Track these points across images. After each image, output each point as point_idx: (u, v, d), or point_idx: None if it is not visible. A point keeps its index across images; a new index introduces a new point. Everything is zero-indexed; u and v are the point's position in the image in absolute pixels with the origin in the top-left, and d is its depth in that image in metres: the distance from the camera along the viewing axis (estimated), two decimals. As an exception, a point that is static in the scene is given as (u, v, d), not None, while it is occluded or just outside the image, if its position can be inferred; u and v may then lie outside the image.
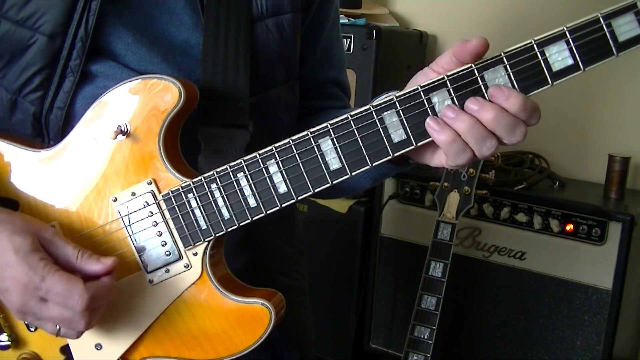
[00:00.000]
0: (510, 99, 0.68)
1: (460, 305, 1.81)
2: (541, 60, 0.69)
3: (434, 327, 1.54)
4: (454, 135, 0.69)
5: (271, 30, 0.88)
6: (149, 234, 0.80)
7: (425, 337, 1.55)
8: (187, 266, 0.80)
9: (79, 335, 0.77)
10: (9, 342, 0.84)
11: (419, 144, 0.73)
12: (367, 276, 1.95)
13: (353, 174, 0.74)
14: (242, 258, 0.93)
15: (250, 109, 0.86)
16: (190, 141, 0.83)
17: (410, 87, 0.74)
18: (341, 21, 1.98)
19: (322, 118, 1.01)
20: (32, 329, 0.84)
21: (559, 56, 0.68)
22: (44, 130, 0.84)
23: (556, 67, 0.68)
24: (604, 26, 0.67)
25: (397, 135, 0.73)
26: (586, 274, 1.63)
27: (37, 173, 0.82)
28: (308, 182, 0.75)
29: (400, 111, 0.72)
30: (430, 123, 0.70)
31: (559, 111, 2.08)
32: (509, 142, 0.70)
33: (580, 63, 0.68)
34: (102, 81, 0.83)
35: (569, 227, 1.64)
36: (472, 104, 0.69)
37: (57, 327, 0.74)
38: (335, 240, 2.03)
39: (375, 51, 1.92)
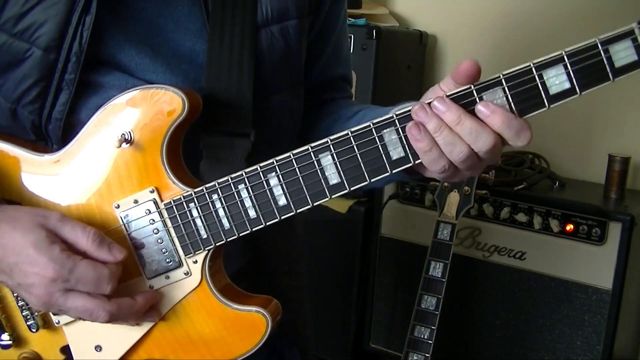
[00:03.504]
0: (494, 115, 0.70)
1: (460, 305, 1.81)
2: (539, 83, 0.70)
3: (434, 327, 1.54)
4: (432, 143, 0.71)
5: (276, 36, 0.88)
6: (150, 241, 0.81)
7: (425, 337, 1.55)
8: (187, 273, 0.81)
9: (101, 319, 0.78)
10: (10, 342, 0.85)
11: (416, 162, 0.74)
12: (367, 276, 1.95)
13: (351, 189, 0.76)
14: (243, 259, 0.94)
15: (253, 115, 0.86)
16: (192, 148, 0.83)
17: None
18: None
19: (329, 111, 1.01)
20: (34, 330, 0.84)
21: (556, 80, 0.69)
22: (46, 136, 0.84)
23: (553, 90, 0.70)
24: (602, 52, 0.68)
25: (396, 152, 0.74)
26: (586, 274, 1.63)
27: (39, 177, 0.83)
28: (307, 196, 0.77)
29: (400, 129, 0.73)
30: (412, 130, 0.72)
31: (559, 111, 2.07)
32: (476, 148, 0.71)
33: (577, 87, 0.69)
34: (108, 92, 0.82)
35: (569, 227, 1.64)
36: (439, 104, 0.71)
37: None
38: (335, 240, 2.03)
39: (375, 51, 1.92)
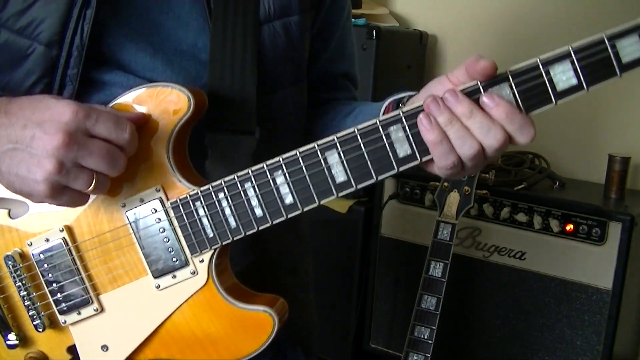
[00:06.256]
0: (498, 108, 0.69)
1: (460, 305, 1.81)
2: (546, 80, 0.69)
3: (434, 327, 1.54)
4: (443, 136, 0.71)
5: (278, 32, 0.88)
6: (157, 240, 0.80)
7: (425, 337, 1.55)
8: (194, 273, 0.81)
9: (108, 182, 0.74)
10: (17, 342, 0.84)
11: (423, 159, 0.74)
12: (367, 276, 1.95)
13: (358, 187, 0.75)
14: (249, 258, 0.94)
15: (257, 111, 0.86)
16: (197, 146, 0.83)
17: (422, 96, 0.74)
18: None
19: (331, 111, 1.01)
20: (40, 330, 0.84)
21: (563, 76, 0.69)
22: None
23: (560, 86, 0.69)
24: (609, 47, 0.67)
25: (403, 150, 0.73)
26: (586, 274, 1.63)
27: None
28: (314, 194, 0.76)
29: (407, 127, 0.73)
30: (423, 121, 0.71)
31: (559, 111, 2.07)
32: (485, 144, 0.71)
33: (584, 83, 0.69)
34: (111, 89, 0.82)
35: (569, 227, 1.64)
36: (451, 97, 0.70)
37: (94, 176, 0.71)
38: (335, 240, 2.03)
39: (375, 51, 1.92)
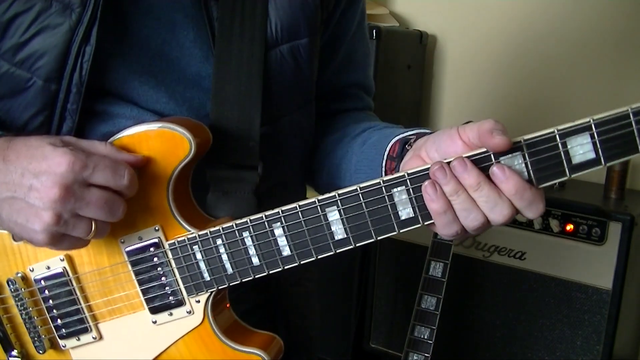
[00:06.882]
0: (508, 182, 0.66)
1: (460, 305, 1.81)
2: (562, 152, 0.66)
3: (434, 327, 1.55)
4: (447, 206, 0.68)
5: (286, 57, 0.85)
6: (154, 278, 0.81)
7: (425, 337, 1.55)
8: (190, 312, 0.81)
9: (108, 227, 0.74)
10: (19, 358, 0.85)
11: (425, 224, 0.71)
12: (367, 276, 1.95)
13: (357, 245, 0.74)
14: None
15: (260, 138, 0.84)
16: (199, 180, 0.82)
17: (429, 146, 0.72)
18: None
19: (340, 129, 0.98)
20: (41, 352, 0.84)
21: (580, 149, 0.65)
22: None
23: (576, 159, 0.66)
24: (633, 122, 0.64)
25: (405, 212, 0.71)
26: (586, 274, 1.63)
27: None
28: (312, 249, 0.75)
29: (411, 189, 0.70)
30: (428, 189, 0.69)
31: (558, 111, 2.08)
32: (490, 218, 0.68)
33: (602, 158, 0.65)
34: (115, 120, 0.81)
35: (569, 227, 1.64)
36: (459, 166, 0.67)
37: (93, 224, 0.71)
38: (335, 240, 2.03)
39: (375, 51, 1.92)
